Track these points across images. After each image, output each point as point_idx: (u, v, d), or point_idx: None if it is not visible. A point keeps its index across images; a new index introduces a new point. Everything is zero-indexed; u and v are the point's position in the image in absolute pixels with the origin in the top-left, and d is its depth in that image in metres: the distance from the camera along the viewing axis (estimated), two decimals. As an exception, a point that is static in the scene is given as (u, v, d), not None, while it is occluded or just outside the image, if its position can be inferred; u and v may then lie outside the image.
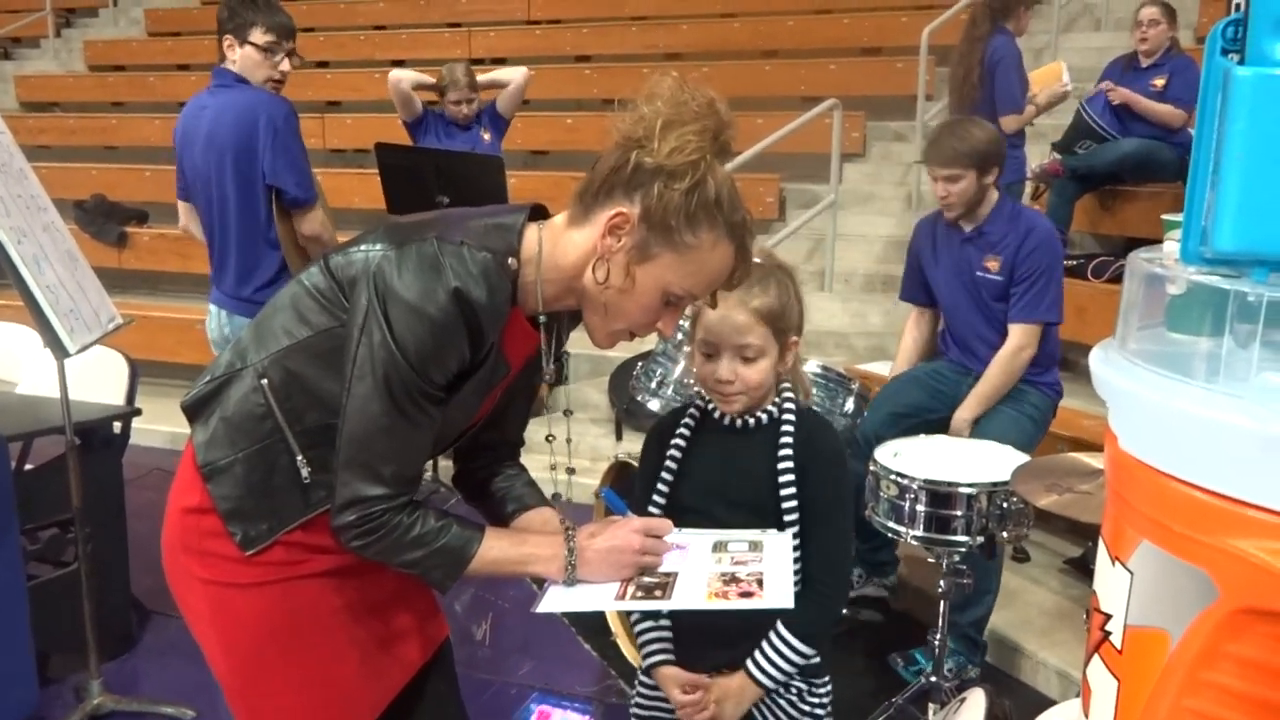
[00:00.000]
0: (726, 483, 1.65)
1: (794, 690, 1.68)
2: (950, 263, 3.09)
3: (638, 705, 1.80)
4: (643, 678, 1.78)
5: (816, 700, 1.71)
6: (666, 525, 1.48)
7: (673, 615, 1.68)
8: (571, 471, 1.58)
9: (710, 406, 1.69)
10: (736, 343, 1.58)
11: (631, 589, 1.39)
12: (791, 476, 1.60)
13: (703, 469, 1.68)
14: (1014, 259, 2.93)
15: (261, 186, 3.02)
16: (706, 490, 1.66)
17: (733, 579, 1.39)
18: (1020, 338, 2.93)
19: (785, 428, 1.63)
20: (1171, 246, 0.93)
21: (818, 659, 1.66)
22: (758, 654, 1.62)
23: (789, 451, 1.61)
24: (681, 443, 1.70)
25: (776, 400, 1.67)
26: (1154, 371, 0.85)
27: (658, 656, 1.70)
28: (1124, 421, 0.89)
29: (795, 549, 1.58)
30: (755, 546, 1.49)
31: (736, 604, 1.35)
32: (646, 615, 1.70)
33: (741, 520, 1.58)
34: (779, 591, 1.37)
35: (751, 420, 1.66)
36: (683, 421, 1.71)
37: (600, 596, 1.40)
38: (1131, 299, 0.95)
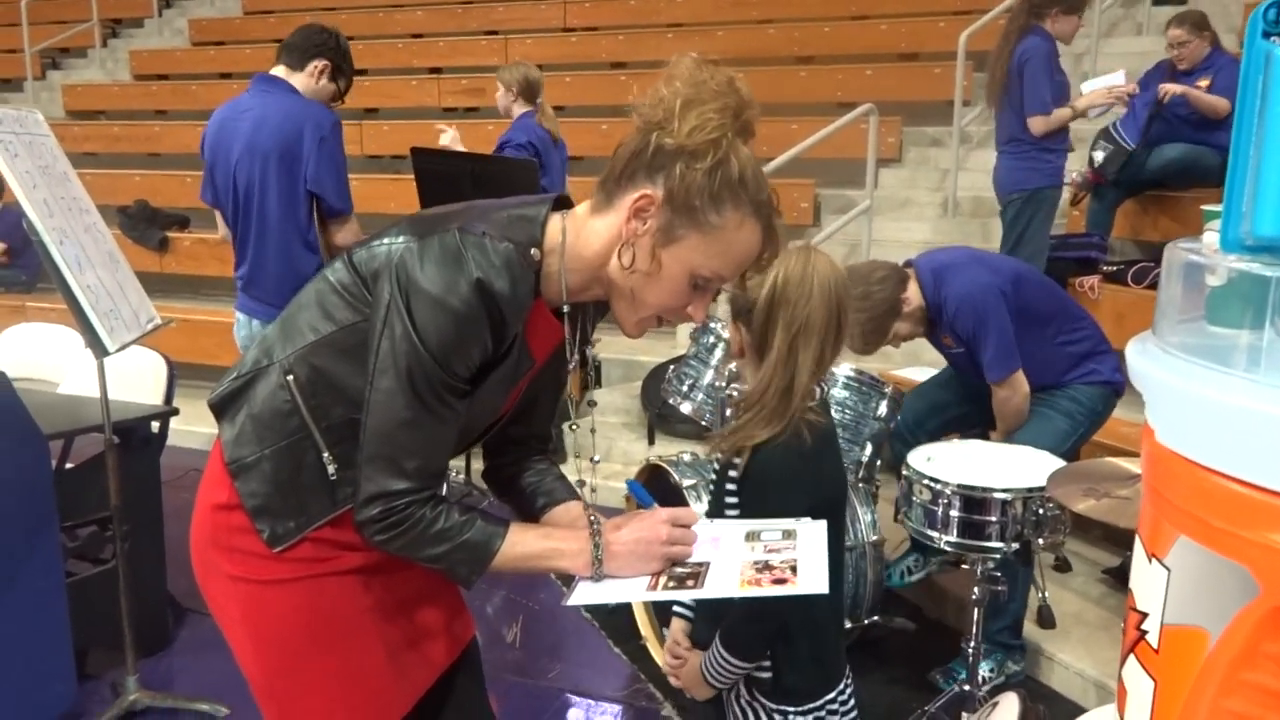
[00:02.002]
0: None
1: (743, 699, 1.69)
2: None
3: None
4: None
5: None
6: (692, 515, 1.46)
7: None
8: (595, 461, 1.56)
9: None
10: None
11: (664, 579, 1.38)
12: (733, 486, 1.65)
13: None
14: (953, 329, 2.91)
15: (303, 192, 3.05)
16: None
17: (766, 566, 1.37)
18: (999, 392, 2.90)
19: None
20: (1211, 237, 0.91)
21: (766, 676, 1.66)
22: (708, 651, 1.68)
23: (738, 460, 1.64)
24: None
25: None
26: (1193, 362, 0.83)
27: (678, 607, 1.81)
28: (1161, 414, 0.87)
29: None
30: (789, 534, 1.47)
31: (770, 591, 1.32)
32: None
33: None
34: (813, 578, 1.34)
35: None
36: None
37: (632, 587, 1.39)
38: (1170, 291, 0.93)
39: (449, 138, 4.48)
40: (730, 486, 1.65)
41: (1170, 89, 4.56)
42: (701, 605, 1.76)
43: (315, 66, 3.16)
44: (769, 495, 1.58)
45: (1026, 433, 2.89)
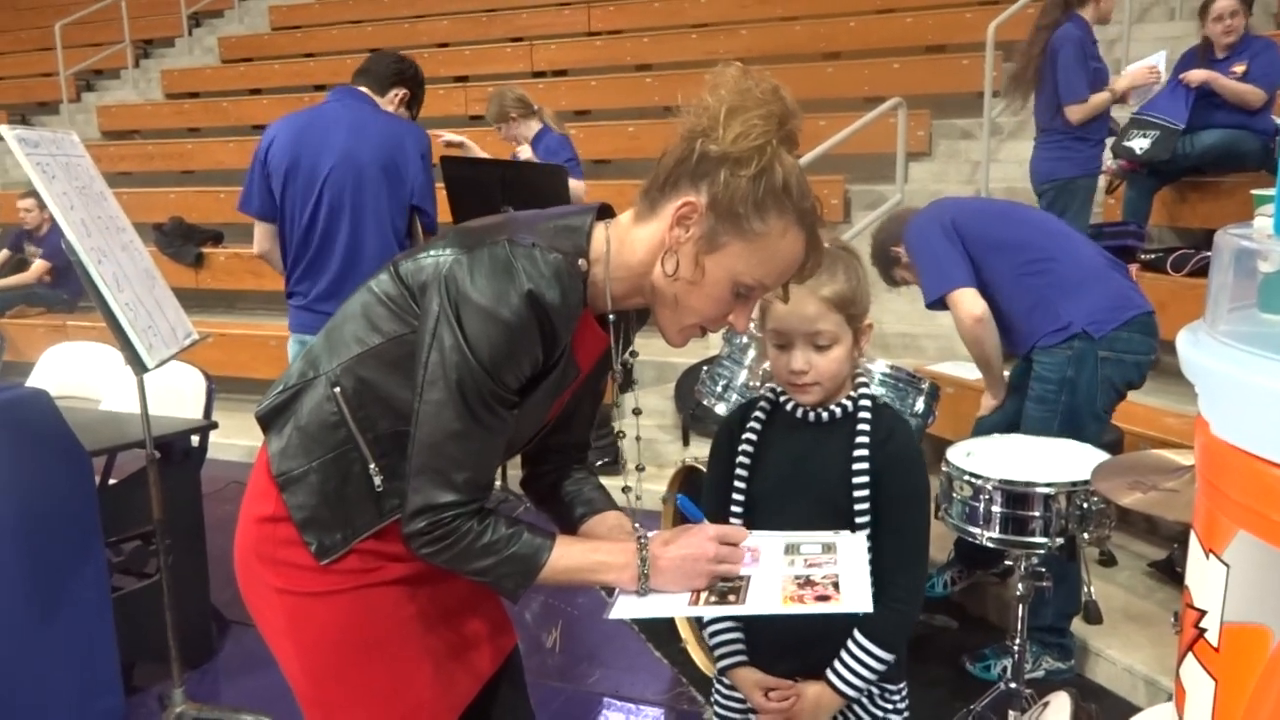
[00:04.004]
0: (799, 479, 1.61)
1: (866, 694, 1.63)
2: None
3: (718, 707, 1.76)
4: (720, 681, 1.74)
5: (890, 706, 1.66)
6: (742, 533, 1.44)
7: (745, 619, 1.64)
8: (641, 469, 1.55)
9: (783, 399, 1.65)
10: (808, 331, 1.55)
11: (705, 594, 1.36)
12: (866, 478, 1.56)
13: (776, 464, 1.64)
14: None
15: (406, 207, 3.06)
16: (779, 486, 1.62)
17: (807, 582, 1.35)
18: (953, 313, 2.84)
19: (861, 425, 1.59)
20: (1263, 222, 0.88)
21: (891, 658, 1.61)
22: (838, 663, 1.57)
23: (864, 452, 1.56)
24: (753, 437, 1.66)
25: (852, 394, 1.62)
26: (1249, 352, 0.81)
27: (734, 658, 1.67)
28: (1216, 407, 0.85)
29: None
30: (828, 548, 1.45)
31: (813, 608, 1.30)
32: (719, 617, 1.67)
33: (813, 518, 1.53)
34: (856, 595, 1.32)
35: (825, 414, 1.61)
36: (753, 415, 1.67)
37: (674, 602, 1.37)
38: (1221, 279, 0.90)
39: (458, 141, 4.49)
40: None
41: (1192, 77, 4.46)
42: (762, 639, 1.65)
43: (396, 95, 3.23)
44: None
45: (994, 424, 2.93)
